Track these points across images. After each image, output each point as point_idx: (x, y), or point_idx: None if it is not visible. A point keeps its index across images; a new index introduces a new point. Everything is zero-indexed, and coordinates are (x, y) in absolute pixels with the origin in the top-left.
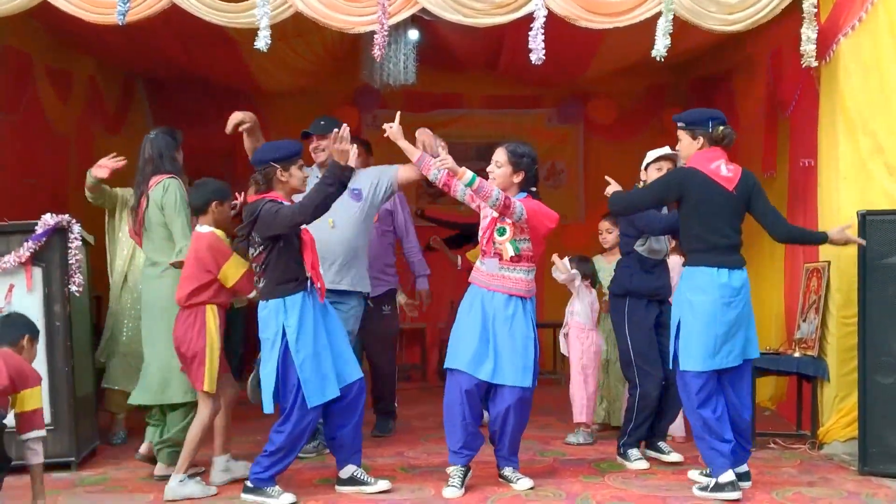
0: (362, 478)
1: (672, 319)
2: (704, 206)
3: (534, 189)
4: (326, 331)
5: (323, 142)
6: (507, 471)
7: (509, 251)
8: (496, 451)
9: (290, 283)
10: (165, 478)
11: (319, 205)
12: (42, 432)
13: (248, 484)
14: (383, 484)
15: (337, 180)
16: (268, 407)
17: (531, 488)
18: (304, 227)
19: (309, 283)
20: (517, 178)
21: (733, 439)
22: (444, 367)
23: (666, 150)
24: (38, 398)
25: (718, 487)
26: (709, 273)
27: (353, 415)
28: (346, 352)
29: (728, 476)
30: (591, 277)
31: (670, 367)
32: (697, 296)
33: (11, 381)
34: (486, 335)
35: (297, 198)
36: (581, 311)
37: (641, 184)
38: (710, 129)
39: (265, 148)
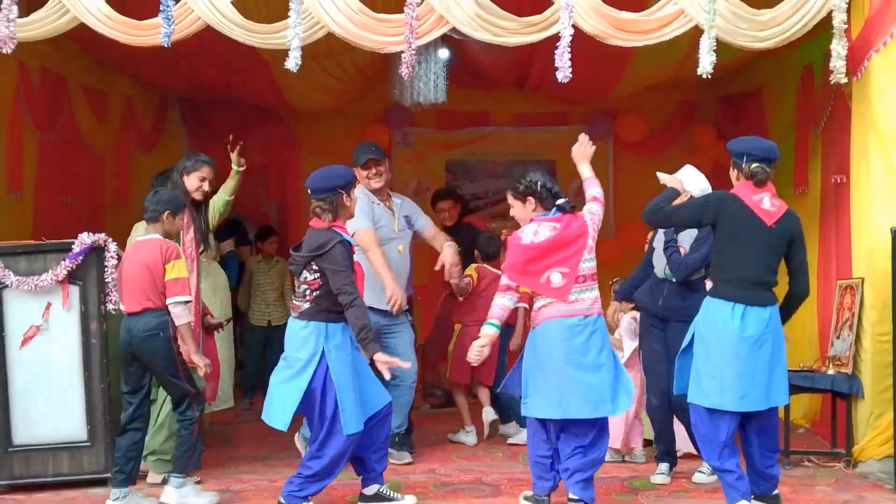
0: (387, 493)
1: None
2: (738, 236)
3: (560, 202)
4: (358, 358)
5: (381, 167)
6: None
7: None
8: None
9: (336, 312)
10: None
11: (358, 326)
12: (183, 297)
13: (282, 500)
14: (410, 500)
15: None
16: (283, 424)
17: None
18: (356, 259)
19: None
20: (530, 206)
21: (736, 469)
22: (596, 415)
23: (678, 183)
24: (182, 268)
25: None
26: (725, 307)
27: (379, 437)
28: (373, 377)
29: None
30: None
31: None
32: (709, 329)
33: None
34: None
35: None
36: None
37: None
38: (742, 165)
39: (325, 175)
